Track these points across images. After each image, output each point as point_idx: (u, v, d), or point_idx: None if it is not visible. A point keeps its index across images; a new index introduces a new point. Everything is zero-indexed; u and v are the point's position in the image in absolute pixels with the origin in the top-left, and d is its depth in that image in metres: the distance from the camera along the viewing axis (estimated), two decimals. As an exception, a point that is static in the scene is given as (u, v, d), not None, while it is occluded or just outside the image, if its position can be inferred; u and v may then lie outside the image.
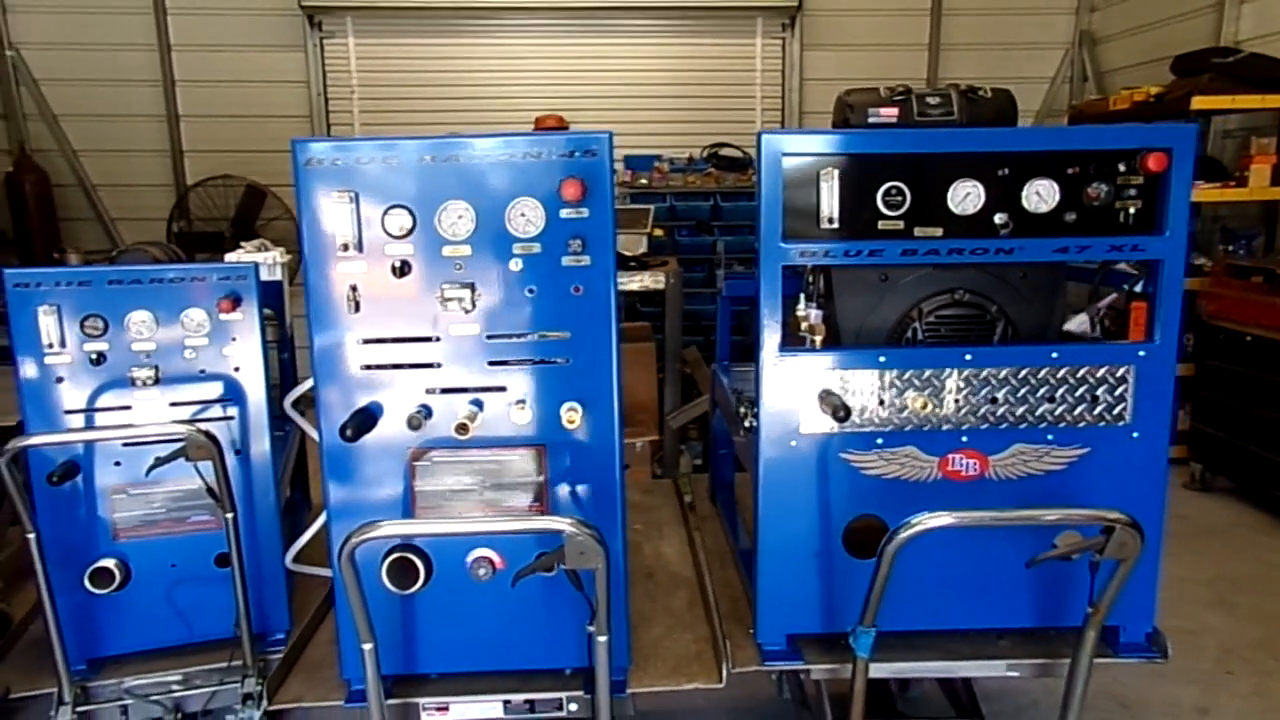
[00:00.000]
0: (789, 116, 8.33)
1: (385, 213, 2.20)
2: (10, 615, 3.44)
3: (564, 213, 2.22)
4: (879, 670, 2.52)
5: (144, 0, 7.80)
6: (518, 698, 2.42)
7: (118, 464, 2.82)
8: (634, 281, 5.25)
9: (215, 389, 2.88)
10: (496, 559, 2.34)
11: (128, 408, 2.82)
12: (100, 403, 2.79)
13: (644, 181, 7.61)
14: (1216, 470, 5.56)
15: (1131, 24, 7.68)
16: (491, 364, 2.31)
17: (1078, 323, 2.70)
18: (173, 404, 2.84)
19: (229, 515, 2.70)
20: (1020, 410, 2.44)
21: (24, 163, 7.54)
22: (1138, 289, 2.53)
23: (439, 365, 2.30)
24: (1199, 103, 5.59)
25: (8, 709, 3.05)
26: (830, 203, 2.35)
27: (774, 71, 8.35)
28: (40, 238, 7.43)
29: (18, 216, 7.36)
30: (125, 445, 2.80)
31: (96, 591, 2.79)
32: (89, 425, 2.80)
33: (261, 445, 2.93)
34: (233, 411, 2.90)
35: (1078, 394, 2.43)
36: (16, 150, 7.69)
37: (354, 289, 2.23)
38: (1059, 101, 8.32)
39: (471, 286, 2.24)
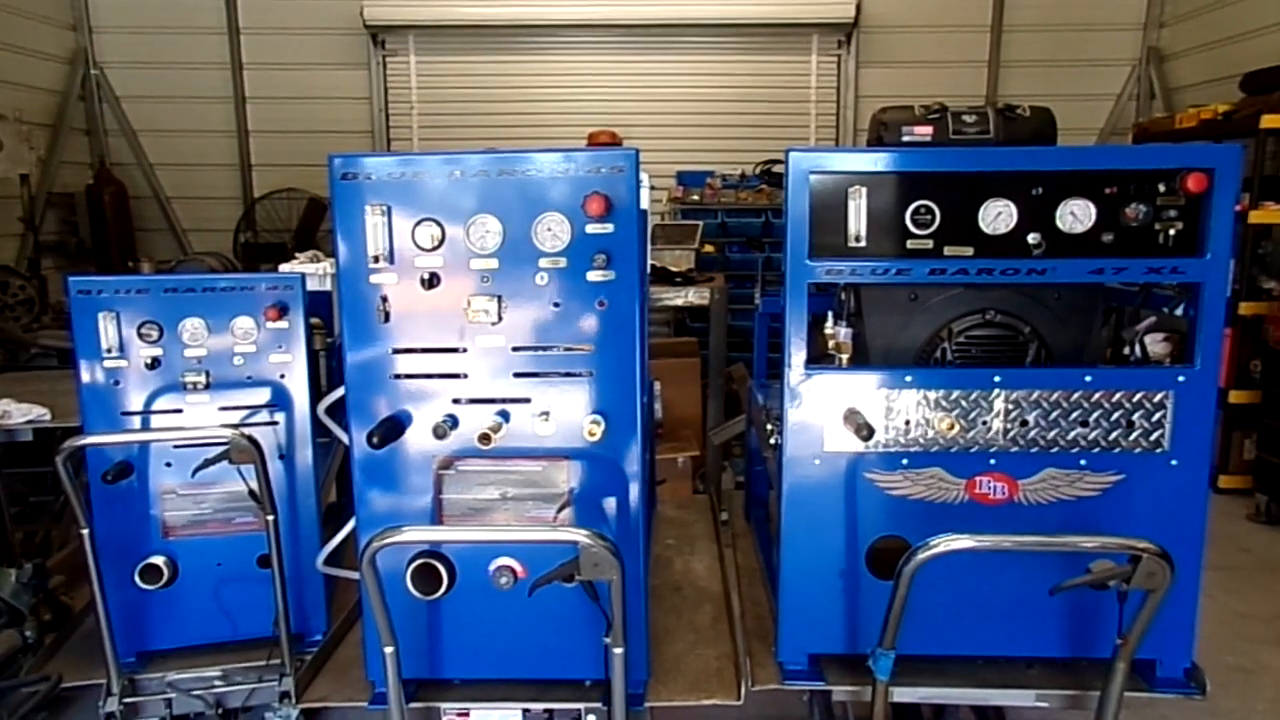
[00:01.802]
0: (843, 134, 8.29)
1: (416, 226, 2.27)
2: (71, 607, 3.61)
3: (589, 228, 2.25)
4: (904, 694, 2.49)
5: (219, 21, 8.17)
6: (537, 707, 2.44)
7: (168, 465, 2.94)
8: (679, 297, 5.27)
9: (262, 395, 2.98)
10: (518, 568, 2.37)
11: (179, 411, 2.94)
12: (154, 406, 2.91)
13: (695, 197, 7.65)
14: (1284, 503, 5.32)
15: (1201, 40, 7.46)
16: (517, 376, 2.35)
17: (1149, 341, 2.62)
18: (222, 408, 2.95)
19: (270, 517, 2.79)
20: (1052, 434, 2.39)
21: (104, 175, 7.93)
22: (1179, 312, 2.46)
23: (465, 376, 2.35)
24: (1269, 121, 5.41)
25: (62, 697, 3.19)
26: (858, 221, 2.34)
27: (829, 88, 8.33)
28: (117, 247, 7.80)
29: (97, 226, 7.73)
30: (175, 447, 2.92)
31: (146, 587, 2.90)
32: (143, 427, 2.92)
33: (305, 451, 3.02)
34: (279, 417, 3.00)
35: (1113, 419, 2.37)
36: (97, 164, 8.10)
37: (384, 300, 2.30)
38: (1124, 119, 8.12)
39: (498, 299, 2.29)
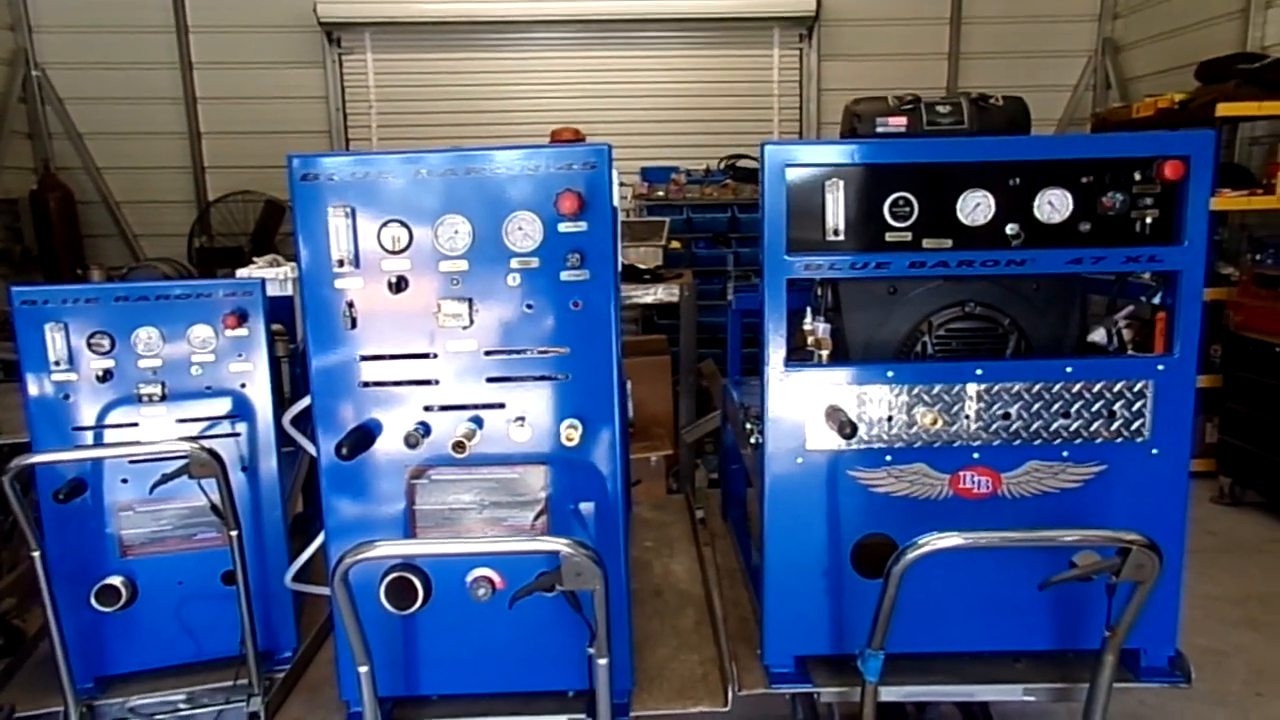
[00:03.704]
0: (807, 127, 8.29)
1: (381, 227, 2.18)
2: (24, 632, 3.46)
3: (562, 226, 2.19)
4: (890, 694, 2.46)
5: (166, 19, 7.92)
6: (519, 721, 2.37)
7: (124, 481, 2.83)
8: (648, 294, 5.21)
9: (222, 405, 2.88)
10: (496, 579, 2.30)
11: (135, 425, 2.82)
12: (107, 420, 2.79)
13: (660, 194, 7.58)
14: (1246, 484, 5.41)
15: (1155, 31, 7.57)
16: (490, 380, 2.28)
17: (1101, 334, 2.63)
18: (180, 420, 2.84)
19: (233, 533, 2.69)
20: (1034, 426, 2.37)
21: (48, 180, 7.65)
22: (1155, 300, 2.45)
23: (437, 382, 2.28)
24: (1224, 109, 5.48)
25: (16, 728, 3.05)
26: (835, 214, 2.30)
27: (791, 82, 8.32)
28: (65, 254, 7.53)
29: (42, 233, 7.46)
30: (131, 462, 2.80)
31: (103, 609, 2.79)
32: (97, 442, 2.80)
33: (269, 462, 2.93)
34: (240, 428, 2.90)
35: (1094, 409, 2.36)
36: (41, 168, 7.82)
37: (350, 305, 2.21)
38: (1082, 110, 8.22)
39: (469, 302, 2.22)
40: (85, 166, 8.04)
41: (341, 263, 2.18)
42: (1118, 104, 7.46)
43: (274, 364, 2.96)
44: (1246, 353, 5.25)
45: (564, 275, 2.21)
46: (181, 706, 2.89)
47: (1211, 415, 5.74)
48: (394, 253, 2.20)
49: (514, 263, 2.21)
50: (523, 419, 2.28)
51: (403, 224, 2.18)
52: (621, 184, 3.16)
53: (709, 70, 8.23)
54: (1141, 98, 6.58)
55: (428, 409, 2.29)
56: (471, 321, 2.23)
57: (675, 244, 6.85)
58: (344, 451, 2.16)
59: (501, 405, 2.29)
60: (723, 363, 6.04)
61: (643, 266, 5.62)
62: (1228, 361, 5.49)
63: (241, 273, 3.82)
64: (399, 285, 2.20)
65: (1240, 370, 5.33)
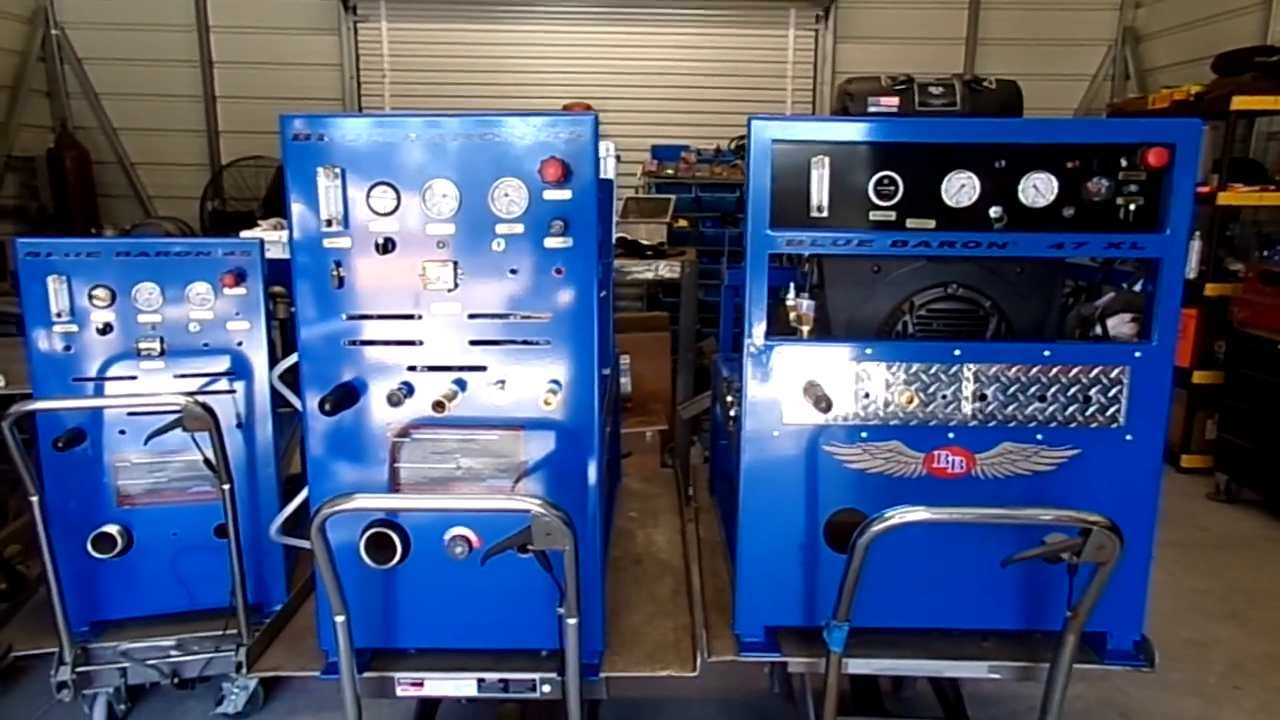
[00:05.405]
0: (820, 109, 8.26)
1: (370, 190, 2.21)
2: (28, 576, 3.56)
3: (547, 194, 2.21)
4: (857, 666, 2.50)
5: (184, -18, 7.97)
6: (492, 676, 2.42)
7: (122, 432, 2.89)
8: (649, 270, 5.24)
9: (219, 363, 2.93)
10: (473, 537, 2.35)
11: (133, 378, 2.88)
12: (107, 373, 2.85)
13: (670, 171, 7.59)
14: (1243, 482, 5.41)
15: (1176, 21, 7.48)
16: (473, 343, 2.32)
17: (1113, 325, 2.63)
18: (177, 376, 2.90)
19: (225, 486, 2.76)
20: (1010, 408, 2.39)
21: (65, 139, 7.74)
22: (1137, 288, 2.46)
23: (421, 343, 2.31)
24: (1240, 103, 5.43)
25: (14, 667, 3.15)
26: (820, 191, 2.31)
27: (806, 64, 8.29)
28: (80, 213, 7.63)
29: (58, 192, 7.56)
30: (130, 415, 2.86)
31: (99, 556, 2.86)
32: (96, 394, 2.86)
33: (264, 419, 2.99)
34: (237, 386, 2.95)
35: (1070, 394, 2.37)
36: (59, 127, 7.90)
37: (338, 265, 2.25)
38: (1099, 99, 8.14)
39: (454, 265, 2.25)
40: (102, 127, 8.13)
41: (330, 223, 2.21)
42: (1135, 95, 7.39)
43: (279, 325, 3.01)
44: (1249, 349, 5.24)
45: (547, 242, 2.24)
46: (172, 653, 2.97)
47: (1212, 411, 5.73)
48: (382, 215, 2.23)
49: (499, 228, 2.24)
50: (503, 382, 2.32)
51: (391, 186, 2.22)
52: (620, 159, 3.17)
53: (724, 50, 8.21)
54: (1159, 89, 6.52)
55: (412, 369, 2.33)
56: (456, 284, 2.27)
57: (683, 222, 6.88)
58: (327, 407, 2.21)
59: (483, 368, 2.33)
60: (720, 340, 6.06)
61: (647, 242, 5.65)
62: (1231, 358, 5.47)
63: (244, 234, 3.87)
64: (386, 247, 2.24)
65: (1241, 367, 5.31)
